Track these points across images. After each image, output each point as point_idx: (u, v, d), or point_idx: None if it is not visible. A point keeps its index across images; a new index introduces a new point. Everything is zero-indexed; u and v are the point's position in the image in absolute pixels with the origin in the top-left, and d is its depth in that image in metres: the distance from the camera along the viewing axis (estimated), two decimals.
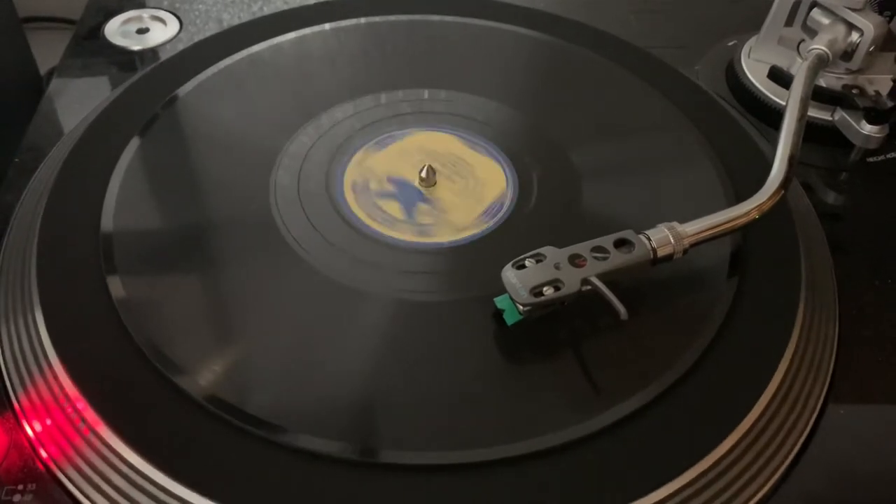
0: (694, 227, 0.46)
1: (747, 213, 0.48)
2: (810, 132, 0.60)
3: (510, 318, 0.44)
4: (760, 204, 0.48)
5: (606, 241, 0.45)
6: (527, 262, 0.44)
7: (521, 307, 0.44)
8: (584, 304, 0.45)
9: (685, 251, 0.46)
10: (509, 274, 0.44)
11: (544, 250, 0.45)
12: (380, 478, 0.40)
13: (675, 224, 0.46)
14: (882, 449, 0.45)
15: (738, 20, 0.72)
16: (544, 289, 0.43)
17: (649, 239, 0.45)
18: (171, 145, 0.57)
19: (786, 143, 0.51)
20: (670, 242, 0.45)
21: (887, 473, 0.44)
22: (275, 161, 0.55)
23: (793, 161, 0.50)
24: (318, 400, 0.43)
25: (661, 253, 0.45)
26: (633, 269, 0.45)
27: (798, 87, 0.54)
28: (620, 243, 0.45)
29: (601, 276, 0.44)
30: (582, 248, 0.45)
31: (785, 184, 0.49)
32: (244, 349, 0.46)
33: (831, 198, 0.59)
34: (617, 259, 0.44)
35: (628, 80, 0.63)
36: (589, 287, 0.43)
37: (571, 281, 0.43)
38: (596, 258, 0.44)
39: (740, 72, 0.66)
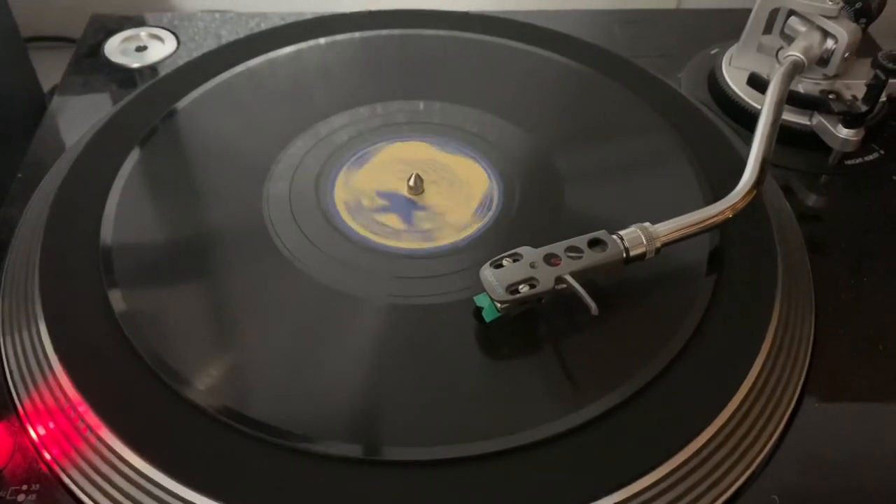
0: (666, 227, 0.47)
1: (721, 213, 0.49)
2: (791, 136, 0.61)
3: (489, 316, 0.45)
4: (734, 203, 0.49)
5: (581, 241, 0.46)
6: (504, 262, 0.45)
7: (498, 304, 0.44)
8: (567, 304, 0.46)
9: (657, 250, 0.47)
10: (487, 273, 0.45)
11: (521, 250, 0.46)
12: (372, 474, 0.41)
13: (647, 224, 0.47)
14: (854, 441, 0.46)
15: (721, 29, 0.73)
16: (520, 286, 0.44)
17: (622, 239, 0.46)
18: (169, 159, 0.58)
19: (759, 145, 0.52)
20: (642, 242, 0.46)
21: (858, 465, 0.45)
22: (270, 172, 0.56)
23: (766, 162, 0.51)
24: (312, 401, 0.44)
25: (633, 252, 0.46)
26: (606, 268, 0.46)
27: (772, 91, 0.55)
28: (594, 243, 0.46)
29: (575, 275, 0.45)
30: (557, 247, 0.46)
31: (758, 184, 0.50)
32: (241, 353, 0.46)
33: (811, 200, 0.60)
34: (590, 258, 0.45)
35: (612, 87, 0.64)
36: (563, 285, 0.44)
37: (546, 279, 0.44)
38: (570, 257, 0.45)
39: (721, 79, 0.67)
